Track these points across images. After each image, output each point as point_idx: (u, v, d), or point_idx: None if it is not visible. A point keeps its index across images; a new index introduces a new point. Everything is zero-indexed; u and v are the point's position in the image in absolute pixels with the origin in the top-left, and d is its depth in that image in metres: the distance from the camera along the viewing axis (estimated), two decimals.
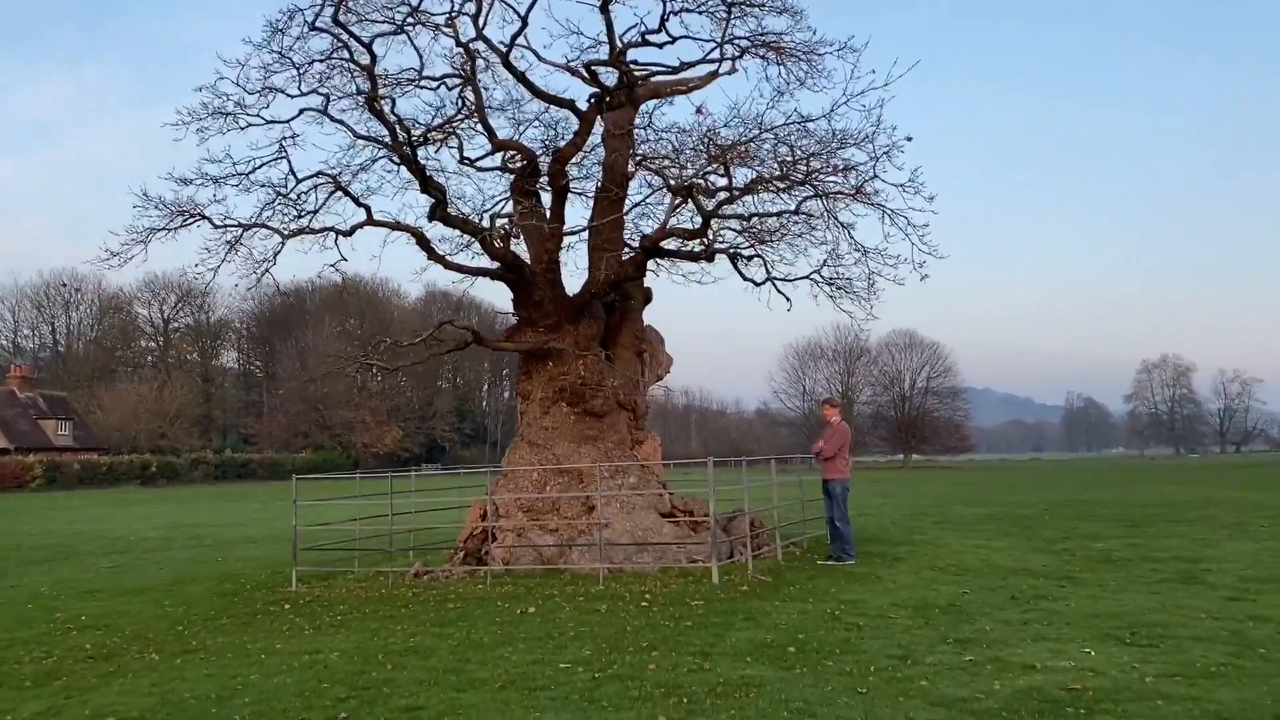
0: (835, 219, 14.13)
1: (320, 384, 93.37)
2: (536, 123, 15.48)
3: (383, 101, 12.21)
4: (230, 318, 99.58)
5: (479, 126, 14.08)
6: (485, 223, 13.20)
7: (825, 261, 14.60)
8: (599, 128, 14.65)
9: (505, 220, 13.37)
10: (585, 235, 14.87)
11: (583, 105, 13.87)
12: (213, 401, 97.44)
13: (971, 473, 71.53)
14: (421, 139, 12.80)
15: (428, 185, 12.68)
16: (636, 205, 15.58)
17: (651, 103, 14.95)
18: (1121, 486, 37.07)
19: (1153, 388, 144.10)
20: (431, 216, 13.04)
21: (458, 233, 14.74)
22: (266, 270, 13.75)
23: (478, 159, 14.74)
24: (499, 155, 14.97)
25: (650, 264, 15.20)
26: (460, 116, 14.34)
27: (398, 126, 12.43)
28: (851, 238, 14.35)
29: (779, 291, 14.93)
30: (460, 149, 14.59)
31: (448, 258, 14.37)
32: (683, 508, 14.29)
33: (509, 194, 14.32)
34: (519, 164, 14.54)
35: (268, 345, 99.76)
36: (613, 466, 13.82)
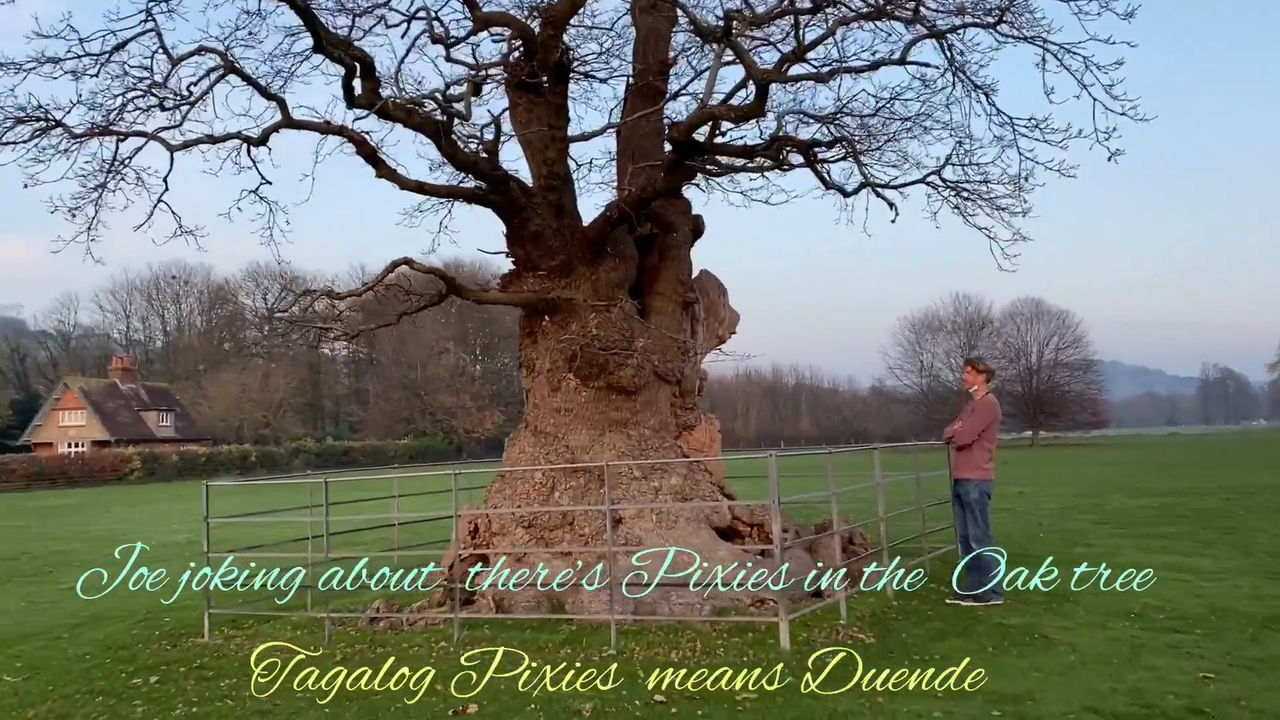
0: (964, 76, 9.50)
1: (421, 369, 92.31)
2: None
3: None
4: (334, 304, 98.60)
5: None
6: (441, 107, 8.91)
7: (950, 156, 10.00)
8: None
9: (471, 96, 9.08)
10: (612, 146, 10.81)
11: None
12: (321, 389, 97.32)
13: (1109, 450, 64.92)
14: None
15: (323, 41, 8.48)
16: (673, 96, 11.28)
17: None
18: None
19: None
20: (350, 100, 8.90)
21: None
22: (160, 199, 10.03)
23: (453, 45, 10.54)
24: (486, 38, 10.92)
25: (699, 180, 11.01)
26: None
27: None
28: (992, 105, 9.61)
29: (880, 197, 10.43)
30: (440, 35, 10.47)
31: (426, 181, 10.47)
32: (750, 520, 10.18)
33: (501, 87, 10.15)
34: (516, 51, 10.53)
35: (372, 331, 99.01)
36: (647, 464, 9.77)
